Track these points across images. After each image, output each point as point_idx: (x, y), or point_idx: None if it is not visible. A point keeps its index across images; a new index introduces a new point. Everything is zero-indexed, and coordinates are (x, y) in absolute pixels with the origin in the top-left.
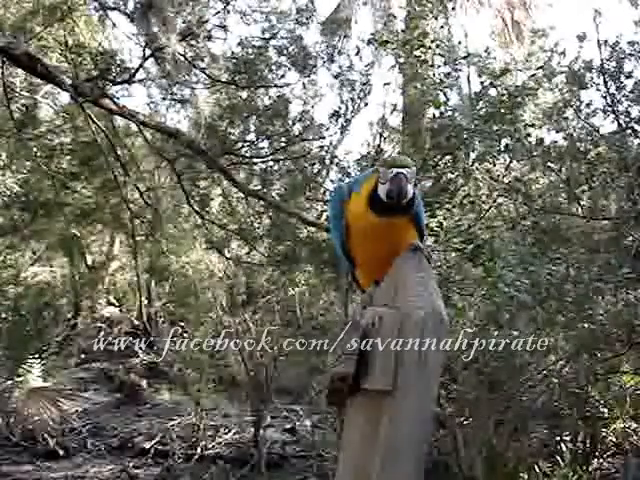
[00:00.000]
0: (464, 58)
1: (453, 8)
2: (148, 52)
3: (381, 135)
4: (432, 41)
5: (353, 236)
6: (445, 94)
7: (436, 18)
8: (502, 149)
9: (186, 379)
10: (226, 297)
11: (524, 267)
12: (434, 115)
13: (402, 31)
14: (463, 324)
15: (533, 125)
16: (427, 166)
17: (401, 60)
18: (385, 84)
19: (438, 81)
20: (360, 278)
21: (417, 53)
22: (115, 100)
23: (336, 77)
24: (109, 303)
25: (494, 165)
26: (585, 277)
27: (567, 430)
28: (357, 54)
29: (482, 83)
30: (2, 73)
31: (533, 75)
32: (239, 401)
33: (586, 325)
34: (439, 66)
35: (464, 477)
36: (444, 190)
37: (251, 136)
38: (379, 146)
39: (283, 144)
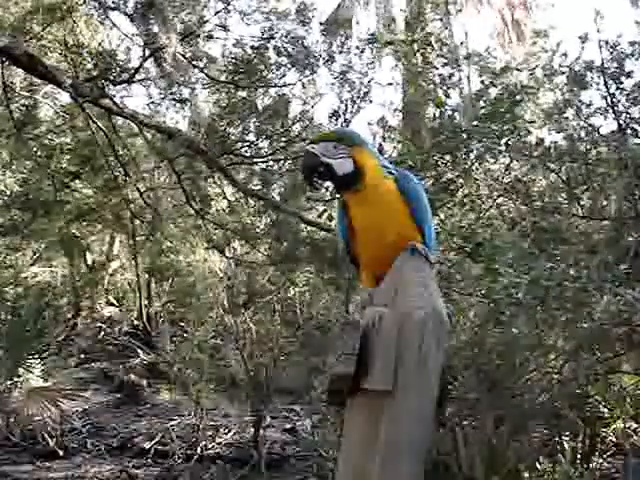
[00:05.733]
0: (466, 58)
1: (460, 10)
2: (148, 52)
3: (379, 136)
4: (437, 41)
5: (355, 234)
6: (447, 94)
7: (441, 20)
8: (502, 149)
9: (186, 379)
10: (226, 297)
11: (523, 265)
12: (434, 115)
13: (408, 32)
14: (463, 324)
15: (533, 122)
16: (427, 166)
17: (403, 60)
18: (388, 84)
19: (439, 81)
20: (363, 279)
21: (419, 53)
22: (115, 100)
23: (336, 77)
24: (109, 303)
25: (494, 163)
26: (584, 276)
27: (567, 430)
28: (360, 52)
29: (483, 82)
30: (2, 73)
31: (532, 74)
32: (239, 401)
33: (586, 324)
34: (437, 68)
35: (464, 477)
36: (444, 190)
37: (251, 136)
38: (380, 145)
39: (283, 144)
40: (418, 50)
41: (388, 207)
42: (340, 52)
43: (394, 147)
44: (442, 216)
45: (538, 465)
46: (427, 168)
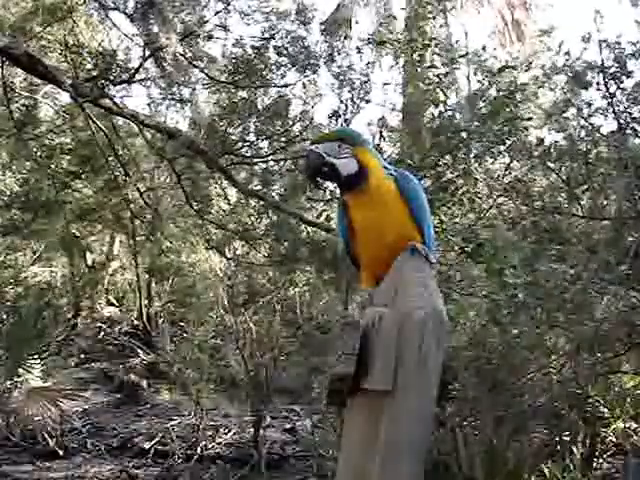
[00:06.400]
0: (462, 57)
1: (453, 7)
2: (148, 52)
3: (381, 135)
4: (431, 39)
5: (355, 234)
6: (445, 93)
7: (434, 18)
8: (502, 149)
9: (186, 379)
10: (226, 297)
11: (525, 266)
12: (433, 115)
13: (404, 31)
14: (463, 323)
15: (530, 119)
16: (427, 166)
17: (401, 60)
18: (385, 84)
19: (437, 80)
20: (363, 279)
21: (418, 53)
22: (115, 100)
23: (337, 77)
24: (109, 303)
25: (494, 163)
26: (585, 276)
27: (567, 430)
28: (359, 52)
29: (481, 82)
30: (2, 73)
31: (534, 75)
32: (239, 401)
33: (586, 325)
34: (438, 67)
35: (464, 477)
36: (444, 189)
37: (251, 136)
38: (378, 146)
39: (283, 144)
40: (415, 50)
41: (388, 207)
42: (339, 53)
43: (394, 147)
44: (442, 216)
45: (547, 466)
46: (427, 168)
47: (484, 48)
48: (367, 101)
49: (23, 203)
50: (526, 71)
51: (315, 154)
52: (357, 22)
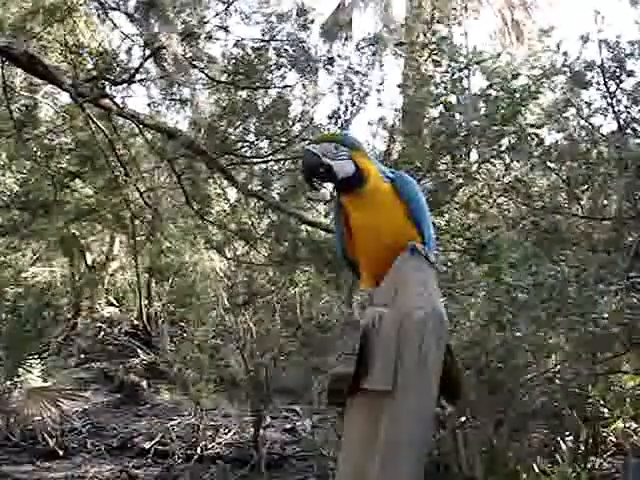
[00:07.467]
0: (477, 63)
1: (465, 8)
2: (148, 52)
3: (391, 137)
4: (441, 40)
5: (353, 235)
6: (455, 93)
7: (439, 22)
8: (504, 149)
9: (186, 379)
10: (226, 297)
11: (527, 267)
12: (434, 116)
13: (405, 32)
14: (464, 324)
15: (536, 126)
16: (429, 166)
17: (401, 61)
18: (380, 84)
19: (444, 81)
20: (363, 279)
21: (433, 57)
22: (115, 100)
23: (337, 79)
24: (109, 303)
25: (495, 165)
26: (586, 277)
27: (567, 430)
28: (361, 53)
29: (491, 85)
30: (2, 73)
31: (537, 78)
32: (239, 401)
33: (587, 325)
34: (440, 70)
35: (464, 477)
36: (446, 190)
37: (251, 136)
38: (389, 147)
39: (283, 144)
40: (418, 51)
41: (386, 208)
42: (340, 56)
43: (397, 148)
44: (446, 217)
45: (537, 465)
46: (429, 169)
47: (499, 55)
48: (378, 101)
49: (23, 203)
50: (539, 80)
51: (311, 154)
52: (357, 23)
